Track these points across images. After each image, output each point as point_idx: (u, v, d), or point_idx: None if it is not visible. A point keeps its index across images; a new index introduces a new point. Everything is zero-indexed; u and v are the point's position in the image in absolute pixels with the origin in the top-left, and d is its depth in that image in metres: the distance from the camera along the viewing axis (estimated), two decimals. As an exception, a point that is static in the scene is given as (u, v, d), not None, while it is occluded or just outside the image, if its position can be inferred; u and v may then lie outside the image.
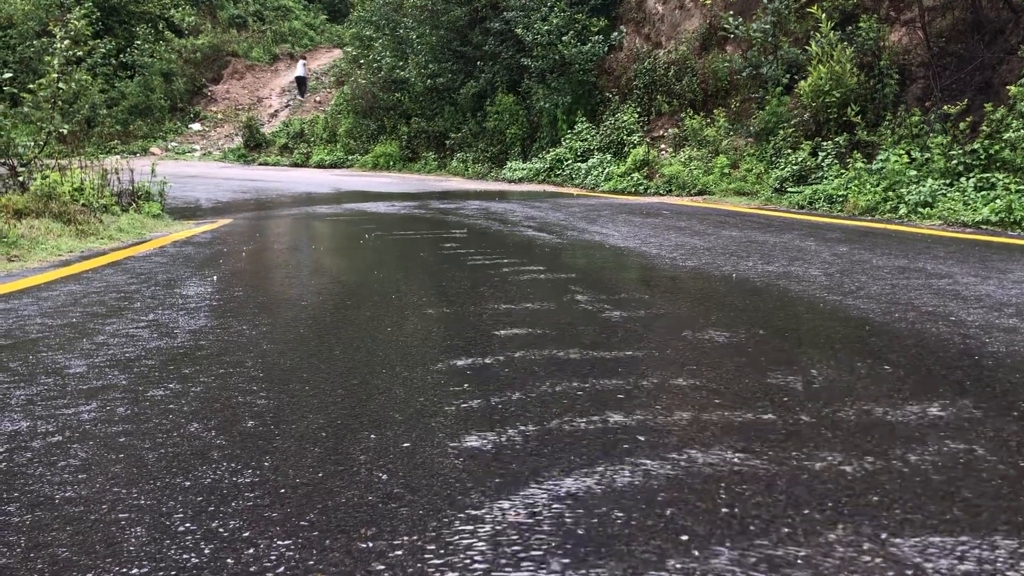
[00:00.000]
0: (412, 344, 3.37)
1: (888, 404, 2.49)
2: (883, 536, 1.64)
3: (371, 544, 1.62)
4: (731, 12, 14.87)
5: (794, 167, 11.79)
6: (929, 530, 1.67)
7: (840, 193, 10.42)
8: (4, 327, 3.74)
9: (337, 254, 7.02)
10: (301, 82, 32.91)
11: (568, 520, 1.72)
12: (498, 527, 1.69)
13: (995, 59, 10.55)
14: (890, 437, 2.21)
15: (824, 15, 12.00)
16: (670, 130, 16.00)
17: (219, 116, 33.60)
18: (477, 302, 4.27)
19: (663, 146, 16.04)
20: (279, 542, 1.64)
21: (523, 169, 18.74)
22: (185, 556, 1.58)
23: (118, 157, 11.51)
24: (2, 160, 9.36)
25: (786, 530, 1.67)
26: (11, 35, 29.89)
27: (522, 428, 2.30)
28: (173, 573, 1.53)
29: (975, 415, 2.38)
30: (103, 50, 12.54)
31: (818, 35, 12.00)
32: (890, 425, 2.30)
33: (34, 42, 27.90)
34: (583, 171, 16.82)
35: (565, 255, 6.37)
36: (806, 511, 1.76)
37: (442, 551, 1.59)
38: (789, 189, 11.56)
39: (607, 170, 16.09)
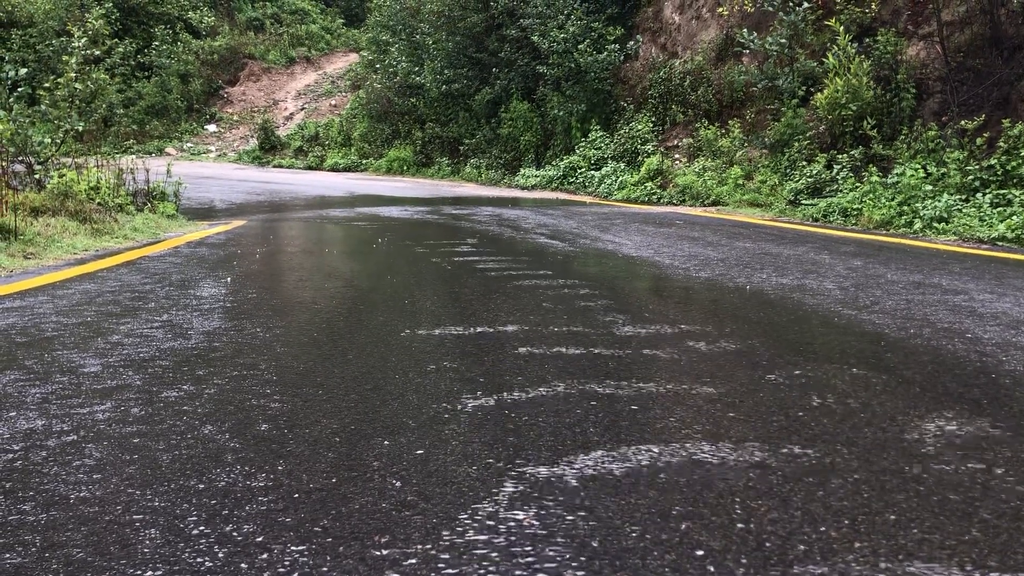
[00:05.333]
0: (425, 350, 3.37)
1: (904, 421, 2.47)
2: (900, 557, 1.63)
3: (385, 552, 1.62)
4: (747, 25, 14.86)
5: (809, 179, 11.76)
6: (948, 551, 1.66)
7: (855, 206, 10.37)
8: (20, 324, 3.76)
9: (350, 258, 7.03)
10: None
11: (582, 531, 1.71)
12: (512, 537, 1.69)
13: (1013, 75, 10.50)
14: (907, 455, 2.19)
15: (842, 28, 11.98)
16: (684, 140, 15.99)
17: (235, 118, 33.79)
18: (489, 309, 4.27)
19: (677, 156, 16.02)
20: (293, 548, 1.63)
21: (536, 176, 18.75)
22: (199, 560, 1.58)
23: (134, 157, 11.59)
24: (19, 158, 9.44)
25: (802, 547, 1.66)
26: (31, 33, 30.15)
27: (535, 438, 2.30)
28: (187, 576, 1.53)
29: (993, 434, 2.36)
30: (121, 50, 12.63)
31: (835, 48, 11.97)
32: (906, 443, 2.29)
33: (53, 41, 28.12)
34: (596, 179, 16.82)
35: (578, 263, 6.36)
36: (822, 528, 1.74)
37: (456, 560, 1.59)
38: (803, 201, 11.53)
39: (620, 179, 16.08)
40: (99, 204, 8.52)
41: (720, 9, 15.65)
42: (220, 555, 1.60)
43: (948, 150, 10.11)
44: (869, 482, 2.00)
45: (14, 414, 2.47)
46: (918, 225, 9.15)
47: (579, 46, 17.85)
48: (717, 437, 2.31)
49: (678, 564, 1.59)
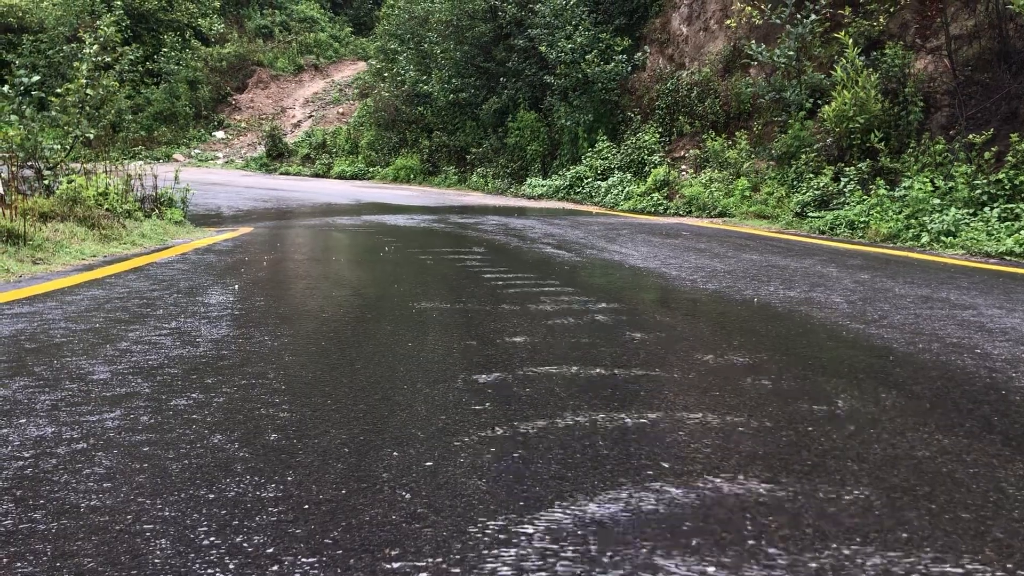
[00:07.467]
0: (432, 360, 3.37)
1: (914, 438, 2.46)
2: None
3: (395, 565, 1.61)
4: (755, 36, 14.89)
5: (816, 192, 11.74)
6: (960, 570, 1.65)
7: (862, 219, 10.36)
8: (29, 330, 3.77)
9: (357, 266, 7.04)
10: None
11: (593, 546, 1.71)
12: (522, 551, 1.68)
13: (1022, 89, 10.49)
14: (917, 472, 2.18)
15: (850, 41, 11.98)
16: (691, 151, 15.99)
17: (242, 125, 33.90)
18: (497, 319, 4.27)
19: (684, 167, 16.02)
20: (303, 559, 1.63)
21: (543, 186, 18.76)
22: (210, 571, 1.58)
23: (142, 163, 11.62)
24: (29, 163, 9.47)
25: (813, 565, 1.65)
26: (41, 39, 30.30)
27: (544, 450, 2.29)
28: (197, 587, 1.53)
29: (1004, 452, 2.35)
30: (131, 57, 12.75)
31: (843, 60, 11.97)
32: (917, 459, 2.28)
33: (64, 47, 28.27)
34: (603, 189, 16.82)
35: (584, 274, 6.36)
36: (834, 545, 1.73)
37: (467, 574, 1.58)
38: (810, 214, 11.51)
39: (627, 189, 16.09)
40: (107, 210, 8.56)
41: (728, 21, 15.67)
42: (231, 566, 1.60)
43: (956, 164, 10.10)
44: (880, 499, 1.99)
45: (24, 421, 2.47)
46: (925, 239, 9.13)
47: (586, 56, 17.87)
48: (726, 452, 2.31)
49: (689, 581, 1.58)
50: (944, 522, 1.87)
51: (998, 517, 1.91)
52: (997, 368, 3.37)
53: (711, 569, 1.63)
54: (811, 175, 12.32)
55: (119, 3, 29.58)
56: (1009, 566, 1.67)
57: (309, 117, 33.44)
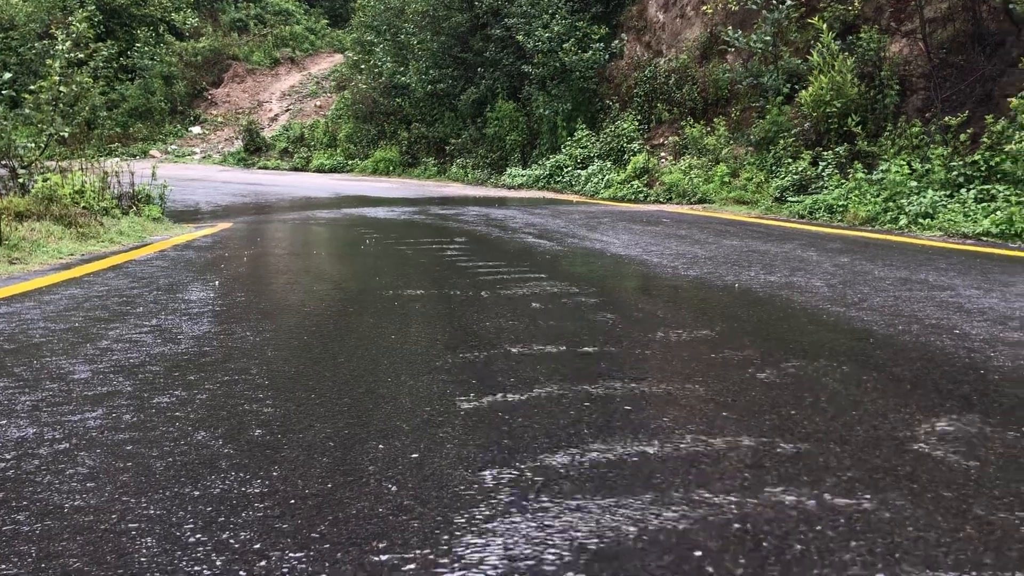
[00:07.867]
0: (416, 352, 3.36)
1: (895, 419, 2.49)
2: (897, 555, 1.64)
3: (383, 557, 1.62)
4: (732, 22, 14.92)
5: (794, 176, 11.81)
6: (943, 548, 1.67)
7: (840, 203, 10.42)
8: (7, 331, 3.73)
9: (338, 260, 7.01)
10: None
11: (580, 533, 1.72)
12: (510, 542, 1.69)
13: (996, 71, 10.58)
14: (899, 453, 2.21)
15: (825, 25, 12.03)
16: (670, 138, 16.02)
17: (219, 119, 33.62)
18: (480, 310, 4.27)
19: (663, 154, 16.06)
20: (291, 554, 1.63)
21: (523, 175, 18.74)
22: (197, 568, 1.58)
23: (118, 160, 11.49)
24: (3, 162, 9.35)
25: (799, 547, 1.67)
26: (12, 36, 29.89)
27: (530, 439, 2.30)
28: (185, 585, 1.52)
29: (984, 431, 2.38)
30: (104, 53, 12.61)
31: (819, 45, 12.03)
32: (898, 440, 2.30)
33: (36, 44, 27.90)
34: (583, 178, 16.83)
35: (566, 263, 6.37)
36: (818, 527, 1.75)
37: (455, 565, 1.59)
38: (789, 198, 11.57)
39: (607, 177, 16.10)
40: (84, 208, 8.46)
41: (704, 7, 15.69)
42: (218, 563, 1.60)
43: (932, 146, 10.17)
44: (863, 480, 2.01)
45: (5, 422, 2.45)
46: (903, 221, 9.21)
47: (564, 45, 17.85)
48: (710, 436, 2.32)
49: (676, 565, 1.59)
50: (926, 501, 1.89)
51: (979, 495, 1.93)
52: (975, 348, 3.41)
53: (698, 553, 1.64)
54: (789, 160, 12.38)
55: (91, -2, 29.25)
56: (990, 543, 1.69)
57: (286, 111, 33.21)
